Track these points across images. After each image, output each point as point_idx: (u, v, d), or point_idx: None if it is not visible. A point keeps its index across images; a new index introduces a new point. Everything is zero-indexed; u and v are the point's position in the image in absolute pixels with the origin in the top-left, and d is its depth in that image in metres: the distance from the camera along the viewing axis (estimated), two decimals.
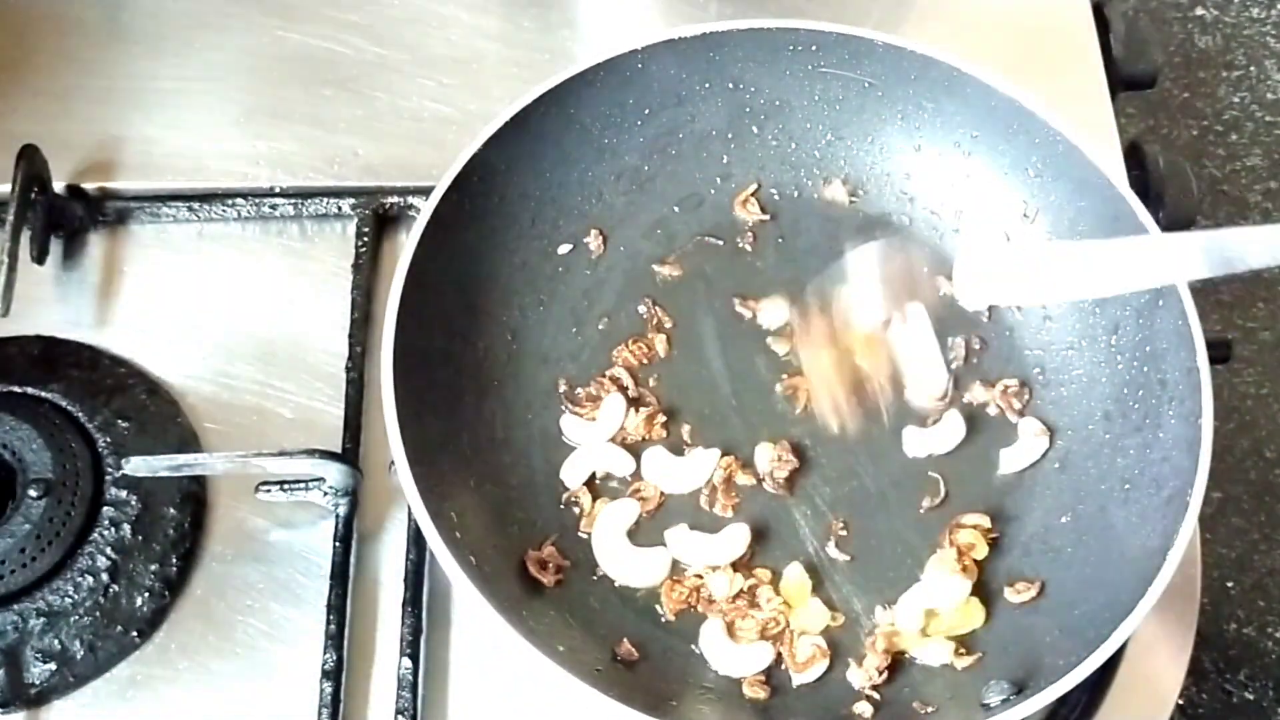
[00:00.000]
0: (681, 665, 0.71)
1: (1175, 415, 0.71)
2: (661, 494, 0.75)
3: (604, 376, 0.78)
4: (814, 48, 0.80)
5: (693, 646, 0.71)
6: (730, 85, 0.82)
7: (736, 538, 0.73)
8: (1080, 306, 0.78)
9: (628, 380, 0.78)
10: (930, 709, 0.68)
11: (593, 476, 0.76)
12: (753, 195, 0.84)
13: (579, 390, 0.78)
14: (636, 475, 0.76)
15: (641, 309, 0.81)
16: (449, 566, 0.64)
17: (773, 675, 0.71)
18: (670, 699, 0.68)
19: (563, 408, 0.78)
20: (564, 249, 0.81)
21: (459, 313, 0.76)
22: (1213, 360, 0.70)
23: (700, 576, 0.73)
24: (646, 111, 0.81)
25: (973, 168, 0.81)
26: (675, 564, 0.73)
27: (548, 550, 0.73)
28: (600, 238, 0.82)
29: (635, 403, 0.77)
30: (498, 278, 0.79)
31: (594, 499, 0.75)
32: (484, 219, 0.77)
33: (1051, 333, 0.79)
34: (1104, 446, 0.75)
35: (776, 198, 0.84)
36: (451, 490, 0.70)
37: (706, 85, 0.81)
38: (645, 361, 0.78)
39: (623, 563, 0.73)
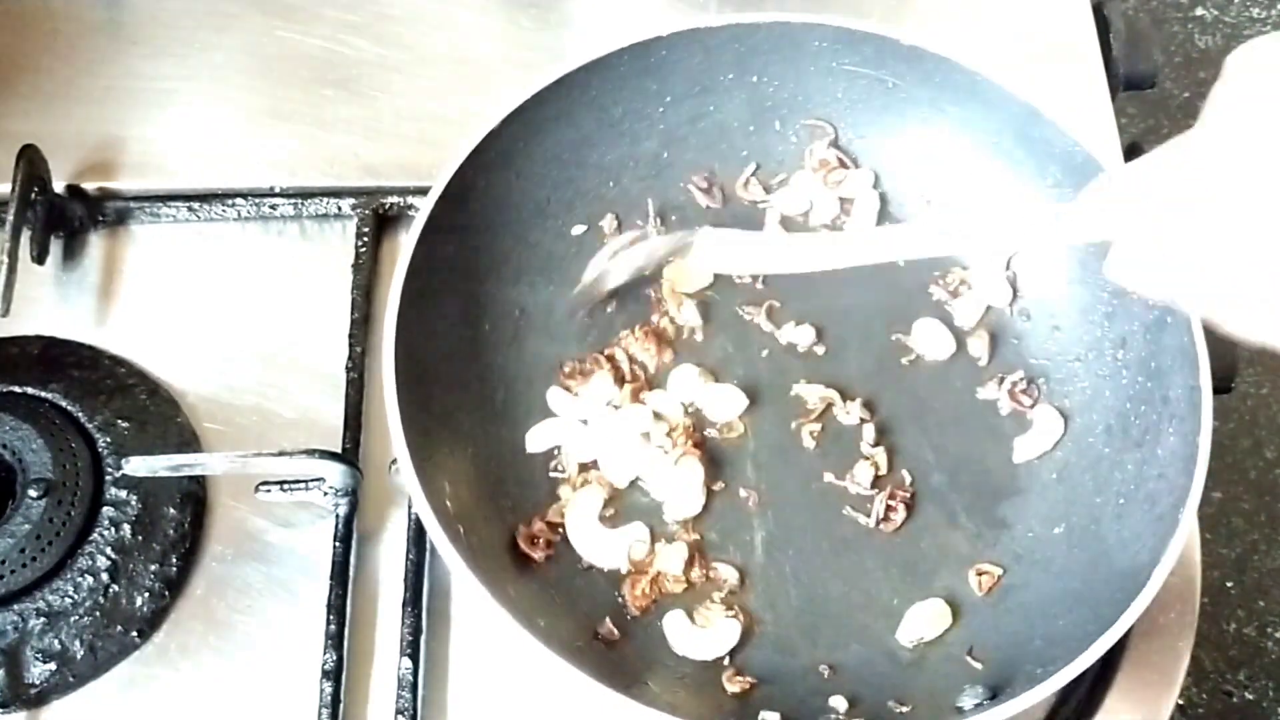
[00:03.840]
0: (661, 647, 0.71)
1: (1175, 433, 0.70)
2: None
3: (600, 353, 0.78)
4: (838, 45, 0.80)
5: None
6: (753, 78, 0.81)
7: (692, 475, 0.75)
8: (1090, 319, 0.78)
9: (623, 359, 0.78)
10: (905, 709, 0.68)
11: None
12: (753, 176, 0.84)
13: (570, 364, 0.78)
14: (594, 464, 0.76)
15: (650, 293, 0.81)
16: (436, 535, 0.64)
17: (750, 667, 0.71)
18: (646, 680, 0.69)
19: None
20: (578, 230, 0.81)
21: (468, 284, 0.76)
22: (1216, 391, 0.70)
23: (656, 557, 0.73)
24: (668, 99, 0.81)
25: (991, 172, 0.81)
26: (645, 545, 0.74)
27: (538, 526, 0.73)
28: (615, 221, 0.82)
29: (623, 380, 0.77)
30: (509, 256, 0.78)
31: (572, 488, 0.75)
32: (499, 196, 0.77)
33: (1059, 343, 0.79)
34: (1103, 460, 0.75)
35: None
36: (447, 462, 0.70)
37: (729, 76, 0.81)
38: (650, 346, 0.78)
39: (597, 546, 0.73)
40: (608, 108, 0.80)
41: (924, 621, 0.72)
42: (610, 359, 0.78)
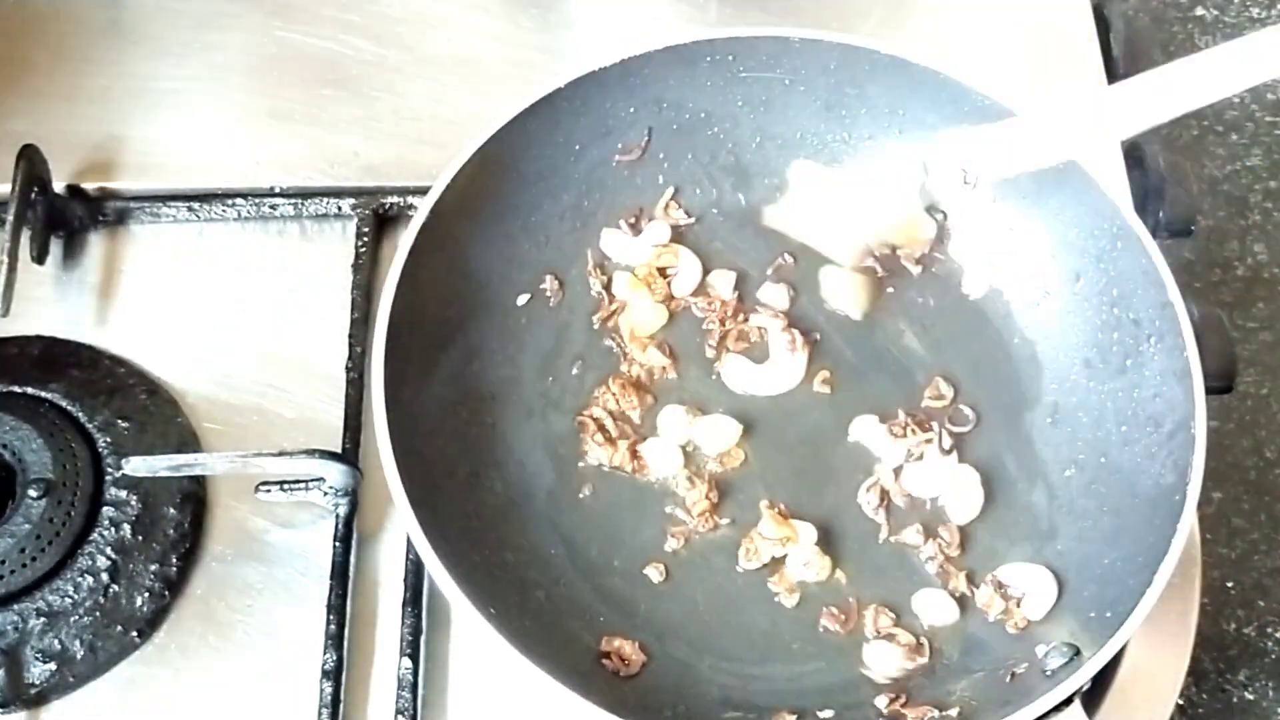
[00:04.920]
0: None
1: (1157, 351, 0.72)
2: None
3: (585, 415, 0.77)
4: (730, 56, 0.80)
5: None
6: (655, 107, 0.81)
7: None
8: (1036, 259, 0.79)
9: (604, 416, 0.77)
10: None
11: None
12: (673, 200, 0.84)
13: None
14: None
15: (610, 343, 0.80)
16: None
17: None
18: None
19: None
20: (522, 300, 0.80)
21: (438, 384, 0.75)
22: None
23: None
24: (577, 147, 0.81)
25: (905, 144, 0.82)
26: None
27: (618, 644, 0.71)
28: (556, 281, 0.81)
29: (612, 440, 0.76)
30: (466, 342, 0.77)
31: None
32: (439, 289, 0.76)
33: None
34: (1091, 394, 0.76)
35: (715, 205, 0.84)
36: (460, 549, 0.69)
37: (631, 110, 0.81)
38: (630, 397, 0.78)
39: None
40: (523, 171, 0.79)
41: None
42: (594, 420, 0.77)
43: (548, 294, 0.81)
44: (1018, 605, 0.72)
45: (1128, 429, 0.73)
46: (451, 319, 0.77)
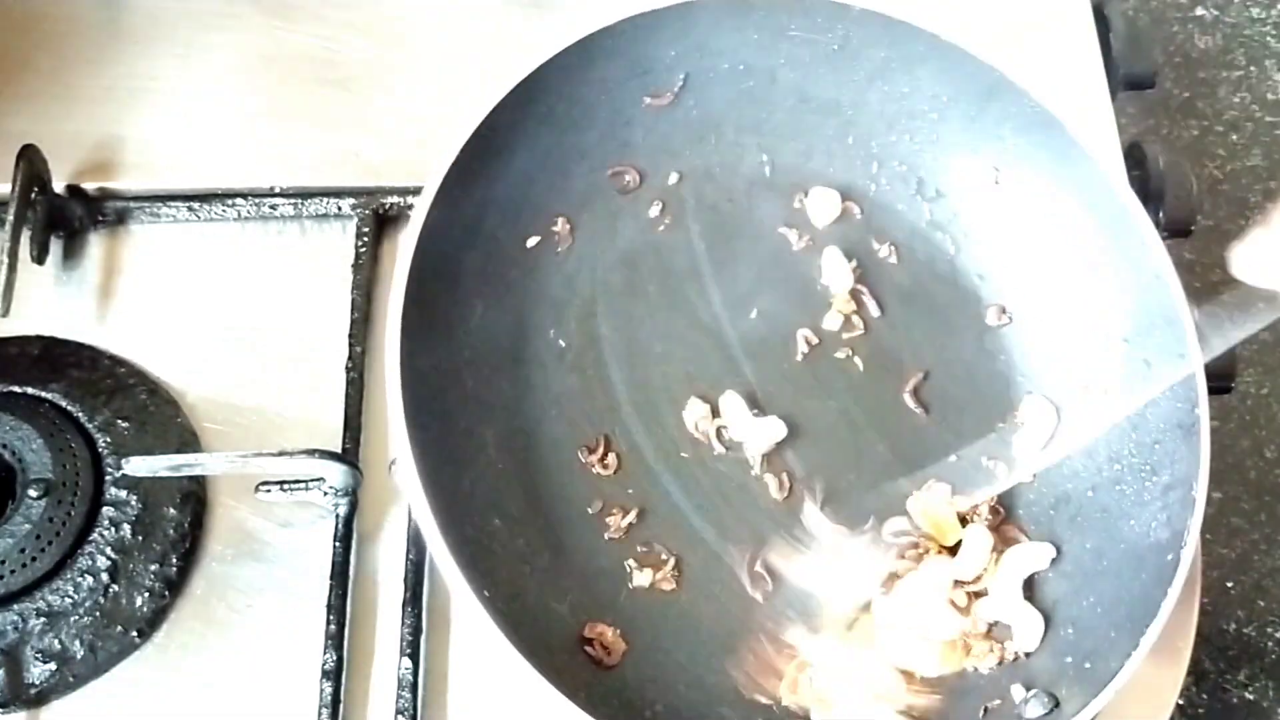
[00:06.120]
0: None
1: (1164, 398, 0.69)
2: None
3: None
4: (785, 13, 0.78)
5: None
6: (697, 53, 0.79)
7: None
8: (1054, 282, 0.78)
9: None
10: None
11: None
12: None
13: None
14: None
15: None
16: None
17: None
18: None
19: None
20: (532, 243, 0.79)
21: (454, 337, 0.74)
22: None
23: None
24: (611, 85, 0.78)
25: (941, 133, 0.80)
26: None
27: (600, 629, 0.70)
28: (567, 225, 0.80)
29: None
30: (470, 282, 0.76)
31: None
32: (460, 228, 0.75)
33: None
34: (1085, 417, 0.74)
35: (736, 166, 0.83)
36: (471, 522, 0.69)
37: (673, 54, 0.79)
38: None
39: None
40: (553, 107, 0.77)
41: None
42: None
43: (557, 238, 0.80)
44: (993, 638, 0.70)
45: (1120, 467, 0.71)
46: (462, 259, 0.75)
